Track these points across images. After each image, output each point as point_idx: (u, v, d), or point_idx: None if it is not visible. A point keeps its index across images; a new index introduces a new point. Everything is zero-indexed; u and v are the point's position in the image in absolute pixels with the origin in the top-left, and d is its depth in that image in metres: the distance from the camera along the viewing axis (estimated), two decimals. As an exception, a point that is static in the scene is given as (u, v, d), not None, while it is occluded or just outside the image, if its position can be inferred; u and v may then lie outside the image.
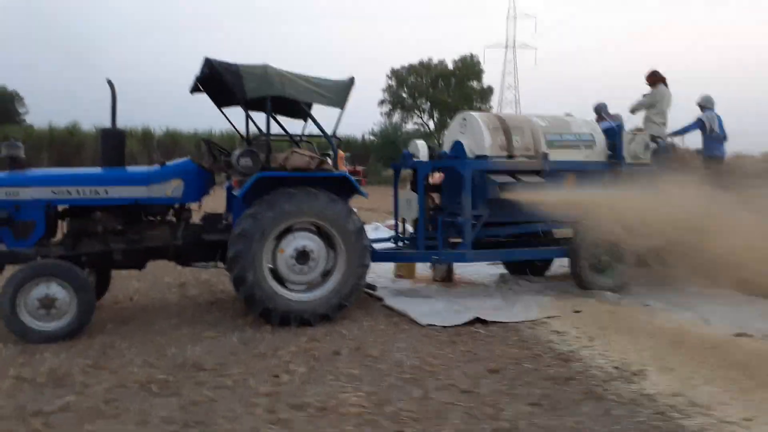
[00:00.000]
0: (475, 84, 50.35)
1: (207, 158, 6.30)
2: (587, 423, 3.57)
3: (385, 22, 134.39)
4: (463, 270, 8.18)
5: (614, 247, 6.90)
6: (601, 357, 4.76)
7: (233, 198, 6.36)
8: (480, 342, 5.22)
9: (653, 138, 7.63)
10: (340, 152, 14.28)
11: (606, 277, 6.98)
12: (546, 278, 8.04)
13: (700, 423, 3.54)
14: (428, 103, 49.92)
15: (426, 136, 42.65)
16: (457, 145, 7.22)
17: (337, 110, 6.13)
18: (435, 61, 49.76)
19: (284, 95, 5.85)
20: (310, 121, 6.49)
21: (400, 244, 7.76)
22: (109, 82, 5.84)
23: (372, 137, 43.44)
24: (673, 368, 4.46)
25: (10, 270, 5.40)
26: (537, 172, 6.99)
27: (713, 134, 8.31)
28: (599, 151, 7.32)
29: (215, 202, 6.68)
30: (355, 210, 6.01)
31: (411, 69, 49.90)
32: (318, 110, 6.36)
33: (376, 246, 6.89)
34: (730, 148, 8.63)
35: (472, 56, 50.13)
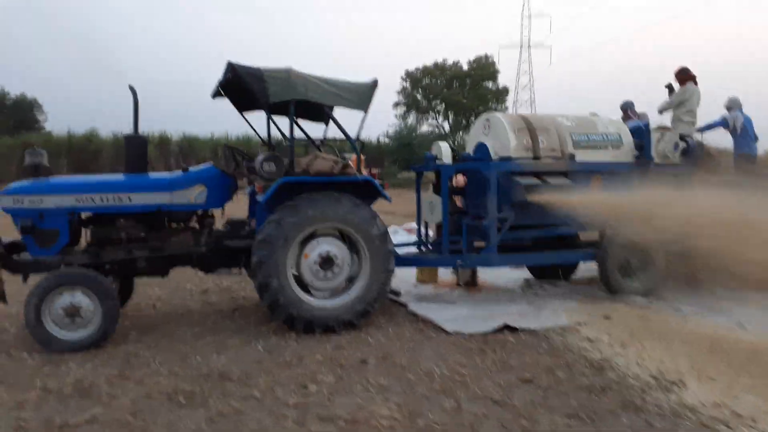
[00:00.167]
0: (490, 84, 50.18)
1: (229, 163, 6.22)
2: (629, 436, 3.44)
3: (399, 24, 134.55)
4: (485, 274, 8.04)
5: (644, 250, 6.73)
6: (636, 365, 4.61)
7: (256, 203, 6.29)
8: (510, 350, 5.08)
9: (682, 137, 7.43)
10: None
11: (635, 281, 6.82)
12: (569, 282, 7.89)
13: (747, 436, 3.40)
14: (443, 105, 49.77)
15: (441, 137, 42.41)
16: (481, 147, 7.10)
17: (360, 113, 6.03)
18: (449, 62, 49.74)
19: (307, 99, 5.75)
20: (331, 124, 6.40)
21: (423, 248, 7.65)
22: (131, 88, 5.75)
23: (387, 140, 43.29)
24: (712, 377, 4.31)
25: (33, 279, 5.38)
26: (563, 174, 6.83)
27: (743, 132, 8.13)
28: (627, 151, 7.14)
29: (237, 207, 6.62)
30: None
31: (425, 70, 49.83)
32: (338, 113, 6.27)
33: (398, 250, 6.78)
34: (761, 147, 8.48)
35: (486, 57, 50.04)
